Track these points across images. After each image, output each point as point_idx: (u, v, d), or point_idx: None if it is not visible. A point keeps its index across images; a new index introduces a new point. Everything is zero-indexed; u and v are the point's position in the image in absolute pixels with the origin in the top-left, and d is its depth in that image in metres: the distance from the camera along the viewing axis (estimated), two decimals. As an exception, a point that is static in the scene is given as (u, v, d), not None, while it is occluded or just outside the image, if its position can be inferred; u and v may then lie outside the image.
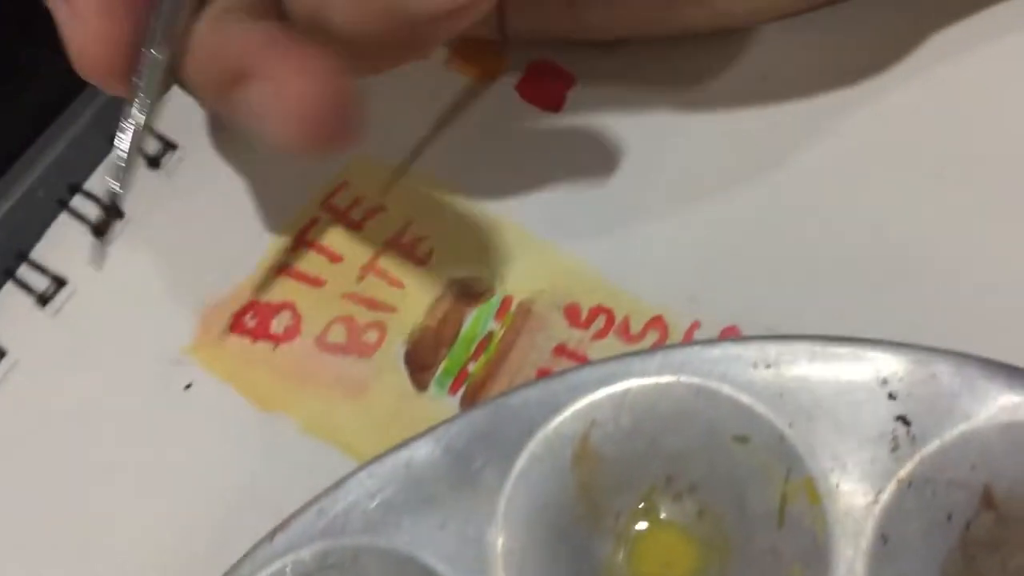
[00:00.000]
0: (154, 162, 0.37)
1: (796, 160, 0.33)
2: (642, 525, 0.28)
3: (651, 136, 0.34)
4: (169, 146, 0.37)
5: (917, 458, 0.26)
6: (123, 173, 0.29)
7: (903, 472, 0.26)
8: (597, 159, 0.34)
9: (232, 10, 0.27)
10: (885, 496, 0.26)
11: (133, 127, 0.29)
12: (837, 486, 0.26)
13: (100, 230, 0.31)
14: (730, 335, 0.31)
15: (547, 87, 0.36)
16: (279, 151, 0.27)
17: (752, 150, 0.33)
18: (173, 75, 0.28)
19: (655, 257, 0.32)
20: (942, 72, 0.34)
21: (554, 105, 0.36)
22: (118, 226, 0.36)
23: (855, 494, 0.26)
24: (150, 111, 0.28)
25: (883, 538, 0.25)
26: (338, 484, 0.28)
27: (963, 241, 0.31)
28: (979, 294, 0.30)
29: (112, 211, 0.31)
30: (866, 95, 0.34)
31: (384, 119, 0.34)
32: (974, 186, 0.32)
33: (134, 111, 0.28)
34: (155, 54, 0.28)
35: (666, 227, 0.33)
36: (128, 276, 0.35)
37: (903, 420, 0.26)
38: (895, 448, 0.26)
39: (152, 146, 0.37)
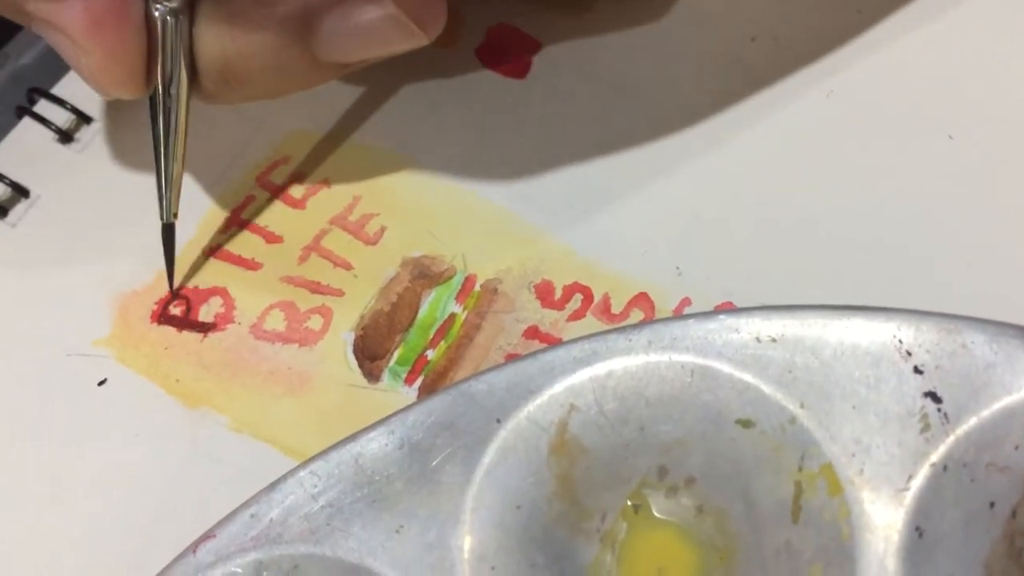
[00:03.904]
0: (66, 136, 0.33)
1: (788, 122, 0.30)
2: (632, 525, 0.24)
3: (626, 103, 0.31)
4: (83, 119, 0.33)
5: (951, 439, 0.23)
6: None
7: (936, 455, 0.23)
8: (566, 128, 0.31)
9: None
10: (917, 483, 0.23)
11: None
12: (861, 473, 0.23)
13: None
14: (725, 311, 0.27)
15: (510, 53, 0.33)
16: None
17: (740, 114, 0.31)
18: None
19: (634, 228, 0.29)
20: (941, 29, 0.31)
21: (518, 71, 0.32)
22: (22, 206, 0.32)
23: (882, 482, 0.23)
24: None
25: (917, 531, 0.22)
26: (274, 485, 0.25)
27: (982, 202, 0.28)
28: (1000, 259, 0.27)
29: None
30: (861, 55, 0.31)
31: (326, 88, 0.30)
32: (987, 145, 0.29)
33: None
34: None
35: (644, 195, 0.30)
36: (35, 261, 0.31)
37: (933, 396, 0.23)
38: (925, 428, 0.23)
39: (64, 118, 0.33)
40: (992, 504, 0.22)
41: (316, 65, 0.27)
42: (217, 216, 0.31)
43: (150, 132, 0.32)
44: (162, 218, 0.29)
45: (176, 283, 0.30)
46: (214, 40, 0.26)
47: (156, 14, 0.25)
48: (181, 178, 0.29)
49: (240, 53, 0.26)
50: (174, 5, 0.25)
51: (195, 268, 0.30)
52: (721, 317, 0.24)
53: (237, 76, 0.26)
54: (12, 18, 0.27)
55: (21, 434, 0.29)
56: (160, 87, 0.27)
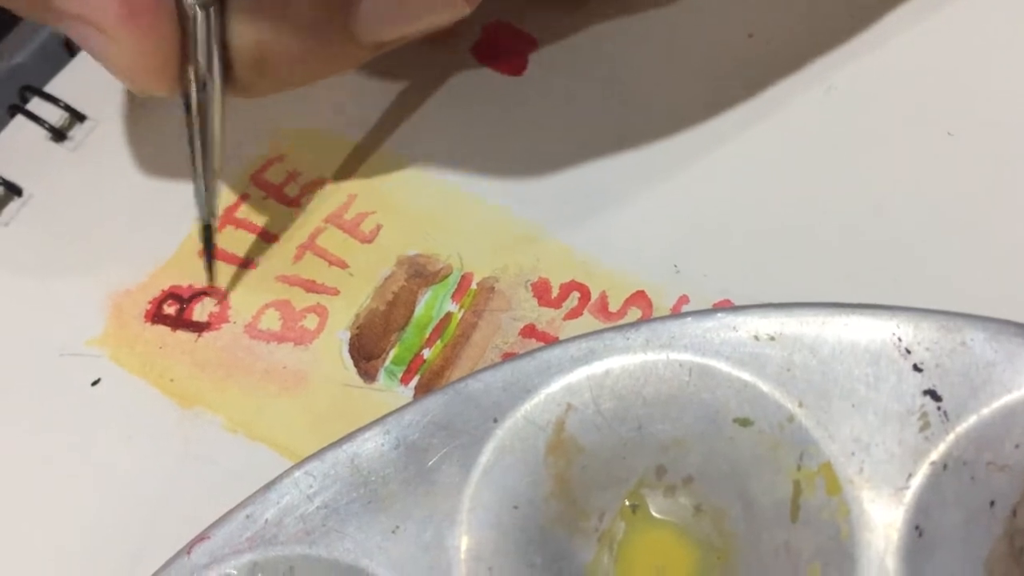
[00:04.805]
0: (59, 134, 0.33)
1: (786, 119, 0.30)
2: (630, 524, 0.24)
3: (623, 100, 0.31)
4: (77, 116, 0.33)
5: (951, 438, 0.22)
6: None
7: (936, 454, 0.22)
8: (563, 125, 0.31)
9: None
10: (917, 482, 0.22)
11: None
12: (860, 472, 0.22)
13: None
14: (723, 309, 0.27)
15: (507, 50, 0.33)
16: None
17: (737, 110, 0.30)
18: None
19: (631, 225, 0.29)
20: (940, 25, 0.31)
21: (515, 69, 0.32)
22: (15, 204, 0.31)
23: (882, 481, 0.22)
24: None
25: (917, 530, 0.22)
26: (270, 485, 0.24)
27: (982, 201, 0.28)
28: (1000, 257, 0.27)
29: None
30: (860, 51, 0.31)
31: (321, 85, 0.30)
32: (986, 142, 0.29)
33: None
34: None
35: (642, 193, 0.30)
36: (28, 260, 0.31)
37: (932, 395, 0.23)
38: (925, 427, 0.23)
39: (57, 117, 0.33)
40: (992, 503, 0.22)
41: (353, 46, 0.26)
42: (211, 215, 0.31)
43: (143, 131, 0.32)
44: (202, 218, 0.29)
45: (170, 283, 0.30)
46: (248, 27, 0.25)
47: (188, 5, 0.25)
48: (219, 177, 0.28)
49: (275, 38, 0.25)
50: None
51: (190, 267, 0.30)
52: (719, 315, 0.24)
53: (272, 64, 0.26)
54: (38, 19, 0.26)
55: (14, 434, 0.28)
56: (194, 82, 0.26)
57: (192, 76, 0.26)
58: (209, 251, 0.29)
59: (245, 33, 0.25)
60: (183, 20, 0.25)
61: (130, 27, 0.25)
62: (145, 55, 0.25)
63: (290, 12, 0.25)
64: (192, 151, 0.27)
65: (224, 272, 0.30)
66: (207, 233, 0.29)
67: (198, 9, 0.25)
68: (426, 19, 0.26)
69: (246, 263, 0.30)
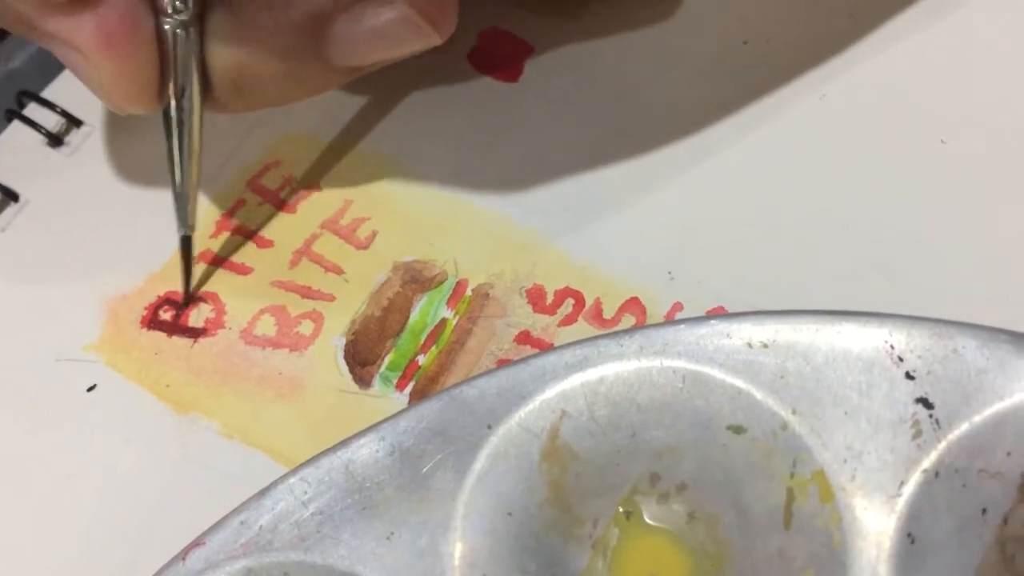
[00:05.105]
0: (56, 140, 0.33)
1: (781, 126, 0.30)
2: (623, 531, 0.24)
3: (618, 106, 0.31)
4: (74, 122, 0.33)
5: (943, 445, 0.23)
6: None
7: (928, 462, 0.23)
8: (558, 132, 0.31)
9: None
10: (908, 489, 0.22)
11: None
12: (852, 480, 0.23)
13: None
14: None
15: (502, 57, 0.33)
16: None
17: (732, 118, 0.30)
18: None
19: (626, 232, 0.29)
20: (934, 33, 0.31)
21: (511, 75, 0.32)
22: (11, 210, 0.32)
23: (874, 488, 0.23)
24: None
25: (909, 537, 0.22)
26: (264, 491, 0.24)
27: (974, 208, 0.28)
28: (992, 265, 0.27)
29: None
30: (854, 59, 0.31)
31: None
32: (980, 150, 0.29)
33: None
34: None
35: (636, 199, 0.30)
36: (24, 265, 0.31)
37: (924, 402, 0.23)
38: (917, 435, 0.23)
39: (54, 122, 0.33)
40: (984, 510, 0.22)
41: (328, 70, 0.27)
42: (208, 220, 0.31)
43: (139, 136, 0.32)
44: (180, 230, 0.29)
45: (167, 289, 0.30)
46: (226, 50, 0.26)
47: (167, 27, 0.25)
48: (197, 189, 0.29)
49: (252, 61, 0.26)
50: (184, 18, 0.25)
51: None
52: (713, 322, 0.24)
53: (249, 85, 0.26)
54: (22, 35, 0.26)
55: (10, 439, 0.28)
56: (173, 100, 0.26)
57: (171, 93, 0.26)
58: (188, 263, 0.30)
59: (223, 56, 0.26)
60: (162, 39, 0.25)
61: (107, 53, 0.25)
62: (123, 79, 0.26)
63: (266, 37, 0.26)
64: (171, 165, 0.28)
65: (219, 278, 0.30)
66: (185, 245, 0.29)
67: (178, 31, 0.25)
68: (398, 47, 0.26)
69: (241, 269, 0.30)
